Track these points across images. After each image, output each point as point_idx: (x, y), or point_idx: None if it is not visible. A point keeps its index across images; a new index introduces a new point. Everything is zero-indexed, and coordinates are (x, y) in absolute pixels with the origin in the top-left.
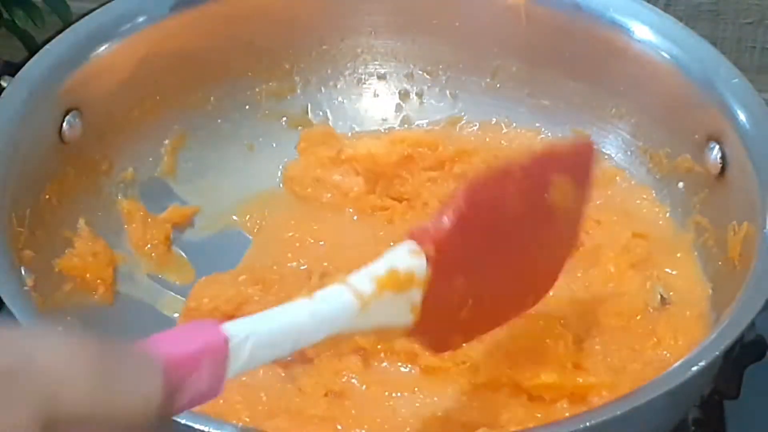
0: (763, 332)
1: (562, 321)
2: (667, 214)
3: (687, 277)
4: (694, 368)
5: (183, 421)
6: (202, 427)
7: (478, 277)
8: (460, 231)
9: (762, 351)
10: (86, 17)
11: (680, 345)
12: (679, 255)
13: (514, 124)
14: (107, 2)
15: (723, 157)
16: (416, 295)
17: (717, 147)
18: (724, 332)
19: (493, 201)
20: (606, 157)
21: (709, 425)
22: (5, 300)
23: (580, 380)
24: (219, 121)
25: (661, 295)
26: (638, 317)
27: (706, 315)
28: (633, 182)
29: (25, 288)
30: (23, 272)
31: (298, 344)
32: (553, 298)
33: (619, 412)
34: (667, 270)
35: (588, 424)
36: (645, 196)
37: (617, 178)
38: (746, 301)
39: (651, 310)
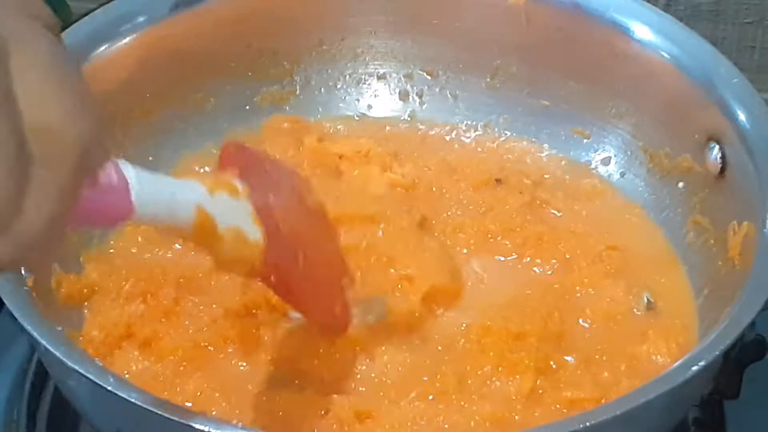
0: (764, 332)
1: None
2: (661, 232)
3: (675, 291)
4: (694, 368)
5: (183, 421)
6: (201, 427)
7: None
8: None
9: (762, 351)
10: (86, 17)
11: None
12: (666, 275)
13: (513, 133)
14: (107, 2)
15: (723, 157)
16: (248, 206)
17: (717, 147)
18: (724, 332)
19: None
20: (597, 170)
21: (709, 425)
22: (5, 300)
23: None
24: (219, 121)
25: (648, 299)
26: (619, 317)
27: (692, 326)
28: (622, 199)
29: (25, 288)
30: (22, 272)
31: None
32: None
33: (618, 412)
34: (655, 281)
35: (588, 424)
36: (636, 213)
37: (606, 193)
38: (746, 300)
39: (637, 312)
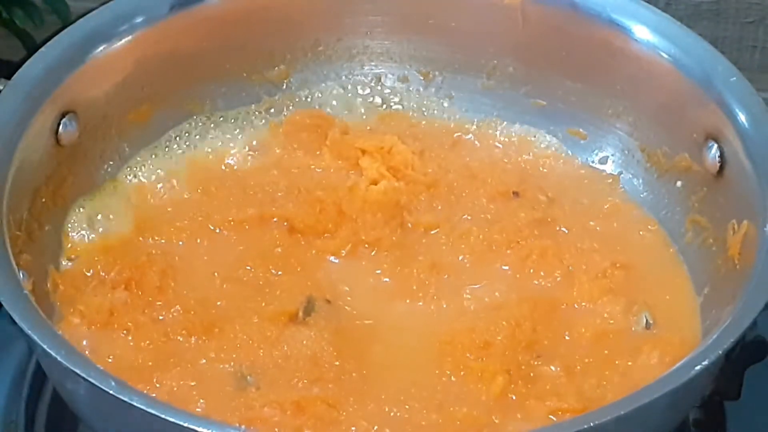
0: (765, 333)
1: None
2: (671, 249)
3: (680, 307)
4: (696, 368)
5: (185, 424)
6: (201, 429)
7: None
8: None
9: (763, 352)
10: (83, 18)
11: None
12: (672, 293)
13: (511, 128)
14: (106, 2)
15: (721, 156)
16: None
17: (715, 146)
18: (725, 332)
19: None
20: (616, 182)
21: (710, 426)
22: (4, 304)
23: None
24: (215, 121)
25: (647, 319)
26: (612, 333)
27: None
28: (637, 213)
29: (24, 291)
30: (21, 276)
31: None
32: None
33: (620, 413)
34: (660, 299)
35: (591, 424)
36: (650, 227)
37: (625, 210)
38: (747, 300)
39: (634, 330)
